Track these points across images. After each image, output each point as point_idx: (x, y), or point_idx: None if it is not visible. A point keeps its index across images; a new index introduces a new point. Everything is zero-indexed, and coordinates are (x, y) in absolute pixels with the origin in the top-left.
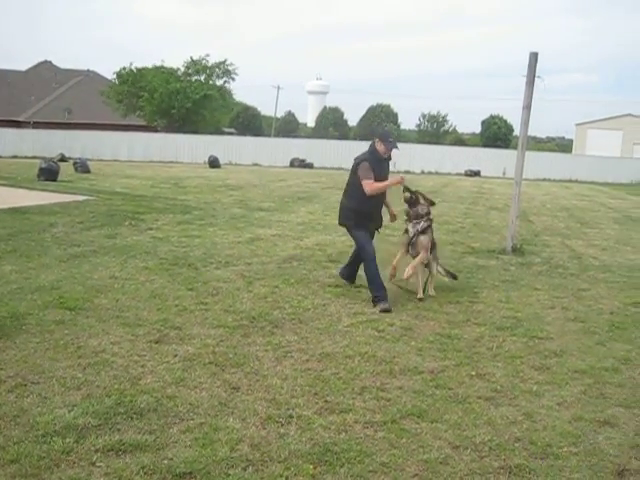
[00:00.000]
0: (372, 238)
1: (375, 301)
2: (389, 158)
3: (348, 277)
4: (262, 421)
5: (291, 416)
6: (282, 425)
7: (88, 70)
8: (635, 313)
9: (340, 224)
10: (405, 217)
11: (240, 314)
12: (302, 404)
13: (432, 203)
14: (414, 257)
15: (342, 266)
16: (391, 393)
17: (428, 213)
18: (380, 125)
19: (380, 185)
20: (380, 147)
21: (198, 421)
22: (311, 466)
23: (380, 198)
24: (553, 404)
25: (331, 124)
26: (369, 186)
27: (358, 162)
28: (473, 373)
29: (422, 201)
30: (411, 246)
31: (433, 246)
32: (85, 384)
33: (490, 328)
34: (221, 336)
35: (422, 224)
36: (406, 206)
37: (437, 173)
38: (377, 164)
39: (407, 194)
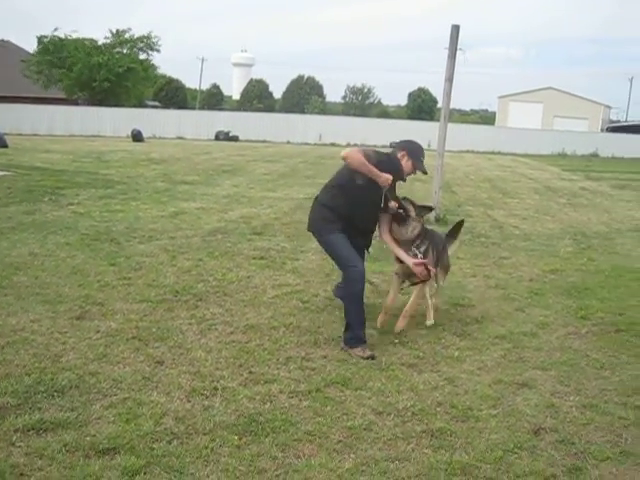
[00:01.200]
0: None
1: (351, 342)
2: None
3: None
4: (186, 394)
5: (216, 388)
6: (207, 397)
7: (2, 40)
8: (553, 280)
9: (309, 230)
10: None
11: (164, 288)
12: (227, 376)
13: (429, 208)
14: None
15: (337, 284)
16: (316, 362)
17: (420, 234)
18: (414, 142)
19: (365, 166)
20: (407, 164)
21: (121, 396)
22: (236, 437)
23: (374, 210)
24: (474, 369)
25: (256, 97)
26: (355, 154)
27: (374, 156)
28: (396, 341)
29: (412, 213)
30: (407, 276)
31: (439, 258)
32: (3, 363)
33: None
34: (144, 311)
35: (422, 248)
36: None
37: (363, 145)
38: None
39: (393, 204)
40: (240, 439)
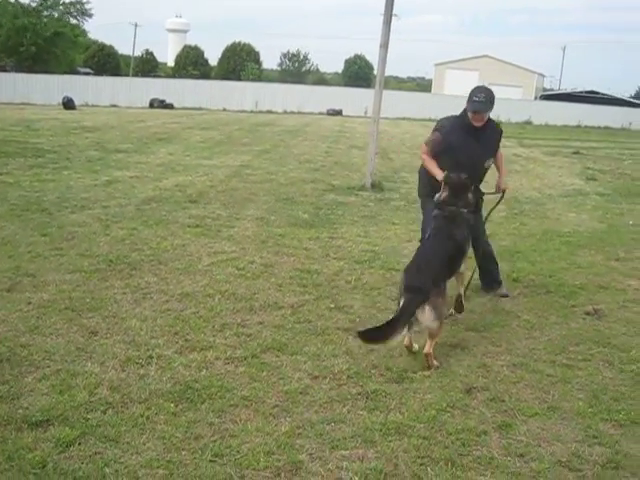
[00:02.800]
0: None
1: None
2: (490, 129)
3: (488, 284)
4: (121, 363)
5: (151, 357)
6: (142, 366)
7: None
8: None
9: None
10: None
11: (97, 258)
12: (162, 344)
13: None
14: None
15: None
16: (251, 329)
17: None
18: (478, 86)
19: (427, 164)
20: (467, 109)
21: (54, 368)
22: (172, 404)
23: (470, 172)
24: None
25: (192, 63)
26: (421, 150)
27: (437, 126)
28: (332, 306)
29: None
30: None
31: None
32: None
33: (349, 262)
34: (77, 281)
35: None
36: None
37: (299, 112)
38: (462, 137)
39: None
40: (176, 406)
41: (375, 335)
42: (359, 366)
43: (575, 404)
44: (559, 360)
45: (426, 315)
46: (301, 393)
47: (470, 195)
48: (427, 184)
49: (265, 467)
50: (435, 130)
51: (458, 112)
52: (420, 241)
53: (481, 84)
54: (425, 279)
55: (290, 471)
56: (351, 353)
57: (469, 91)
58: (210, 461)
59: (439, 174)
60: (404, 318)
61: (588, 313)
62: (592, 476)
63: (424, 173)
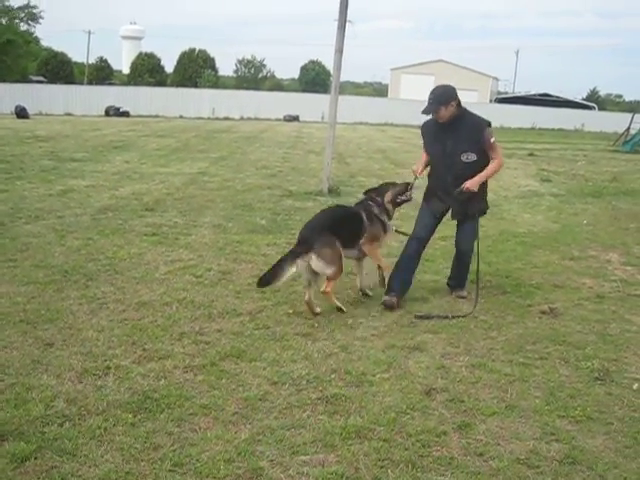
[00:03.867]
0: (439, 219)
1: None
2: (464, 124)
3: (454, 285)
4: (78, 375)
5: (108, 367)
6: (99, 377)
7: None
8: (443, 246)
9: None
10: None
11: (52, 269)
12: (119, 354)
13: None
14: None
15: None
16: (210, 336)
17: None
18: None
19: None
20: None
21: (9, 382)
22: (130, 415)
23: (446, 166)
24: (367, 335)
25: (147, 71)
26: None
27: None
28: (291, 311)
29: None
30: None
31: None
32: None
33: None
34: (32, 293)
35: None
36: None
37: (256, 119)
38: (432, 132)
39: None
40: (134, 417)
41: (268, 277)
42: (318, 371)
43: (532, 402)
44: (516, 359)
45: (314, 262)
46: (260, 399)
47: (388, 194)
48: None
49: (225, 475)
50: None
51: (414, 116)
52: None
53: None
54: (312, 233)
55: (250, 478)
56: (310, 358)
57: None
58: (170, 471)
59: (414, 170)
60: (290, 259)
61: (544, 312)
62: (550, 472)
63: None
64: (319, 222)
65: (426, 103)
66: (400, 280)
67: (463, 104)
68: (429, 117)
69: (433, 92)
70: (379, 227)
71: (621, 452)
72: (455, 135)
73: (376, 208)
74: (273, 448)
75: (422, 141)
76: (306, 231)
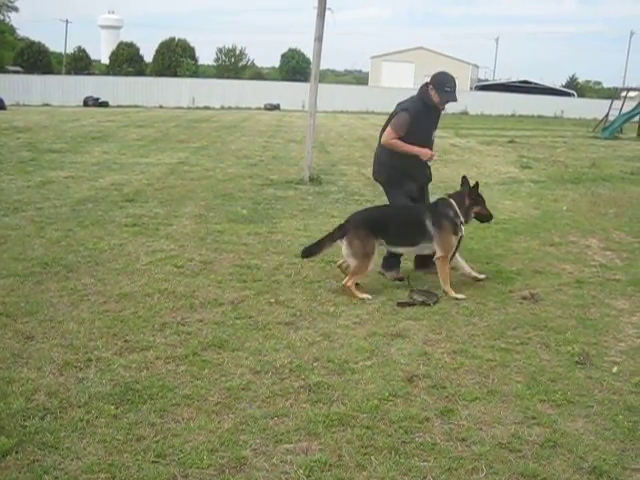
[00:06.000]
0: (420, 197)
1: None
2: (441, 109)
3: (421, 265)
4: (59, 368)
5: (90, 359)
6: (81, 369)
7: None
8: None
9: (374, 179)
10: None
11: (32, 261)
12: (101, 346)
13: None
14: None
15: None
16: (192, 327)
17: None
18: (442, 73)
19: (401, 147)
20: (435, 96)
21: None
22: (113, 407)
23: (429, 147)
24: (349, 323)
25: (126, 60)
26: (389, 137)
27: (398, 109)
28: (273, 300)
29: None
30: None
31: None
32: None
33: (289, 256)
34: (11, 286)
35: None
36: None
37: (237, 108)
38: (424, 115)
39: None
40: (117, 408)
41: (312, 250)
42: (301, 359)
43: (514, 387)
44: (498, 345)
45: (343, 248)
46: (243, 389)
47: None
48: (396, 168)
49: (209, 465)
50: (402, 111)
51: (394, 104)
52: None
53: (420, 75)
54: (352, 222)
55: (234, 467)
56: (292, 347)
57: (435, 78)
58: (153, 462)
59: (426, 153)
60: (330, 237)
61: (525, 298)
62: (531, 456)
63: (388, 158)
64: (367, 214)
65: (449, 90)
66: (396, 260)
67: None
68: (417, 105)
69: (452, 80)
70: (449, 232)
71: (601, 434)
72: (435, 117)
73: (451, 210)
74: (256, 437)
75: (408, 125)
76: (353, 217)
